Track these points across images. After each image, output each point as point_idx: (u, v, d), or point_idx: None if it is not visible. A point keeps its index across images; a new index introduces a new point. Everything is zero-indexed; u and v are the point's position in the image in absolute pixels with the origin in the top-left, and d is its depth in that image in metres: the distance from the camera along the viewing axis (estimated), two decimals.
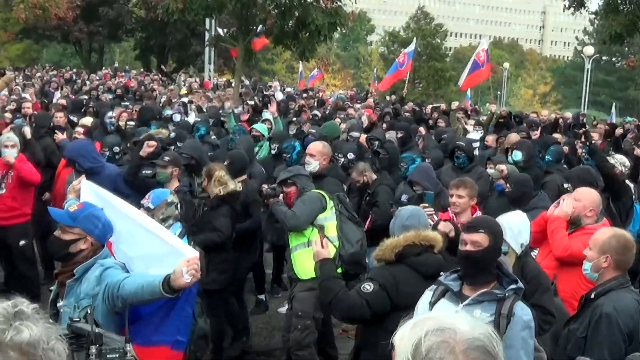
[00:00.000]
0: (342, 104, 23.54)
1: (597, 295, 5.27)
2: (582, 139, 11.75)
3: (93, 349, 2.29)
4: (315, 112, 18.61)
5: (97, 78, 34.36)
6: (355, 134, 14.05)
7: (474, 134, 14.27)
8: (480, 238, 4.85)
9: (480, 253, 4.83)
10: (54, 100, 19.42)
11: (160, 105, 19.73)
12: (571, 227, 6.95)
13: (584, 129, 15.42)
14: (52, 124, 12.57)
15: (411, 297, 5.32)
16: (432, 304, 4.93)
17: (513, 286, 4.74)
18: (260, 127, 13.17)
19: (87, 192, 5.74)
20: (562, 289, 6.31)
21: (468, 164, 10.50)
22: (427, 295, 5.01)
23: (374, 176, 9.81)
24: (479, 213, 7.44)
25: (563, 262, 6.75)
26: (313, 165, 8.95)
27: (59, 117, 13.03)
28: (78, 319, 2.49)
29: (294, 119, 17.07)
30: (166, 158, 8.64)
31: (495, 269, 4.87)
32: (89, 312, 2.43)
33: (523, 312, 4.64)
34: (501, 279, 4.85)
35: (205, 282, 8.30)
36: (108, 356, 2.29)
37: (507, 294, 4.70)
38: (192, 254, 4.93)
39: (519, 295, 4.76)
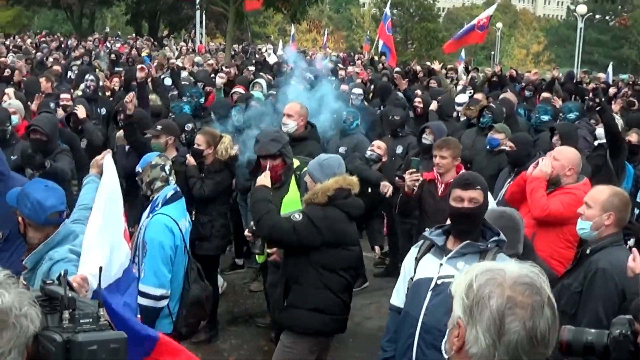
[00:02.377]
0: (335, 66, 23.37)
1: (592, 250, 5.29)
2: (591, 96, 11.77)
3: (66, 314, 2.24)
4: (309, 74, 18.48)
5: (91, 43, 34.05)
6: (357, 90, 14.06)
7: (463, 96, 14.16)
8: (477, 194, 4.98)
9: (477, 209, 4.96)
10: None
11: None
12: (551, 187, 6.91)
13: (593, 86, 15.32)
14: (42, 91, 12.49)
15: (340, 235, 6.13)
16: (417, 260, 5.05)
17: (495, 238, 4.84)
18: (257, 95, 12.80)
19: (109, 169, 5.00)
20: (540, 248, 6.28)
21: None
22: (413, 251, 5.14)
23: None
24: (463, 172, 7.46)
25: (541, 222, 6.74)
26: (290, 125, 8.68)
27: (42, 83, 12.88)
28: (52, 281, 2.44)
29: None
30: (158, 127, 8.49)
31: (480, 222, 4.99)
32: (62, 274, 2.36)
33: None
34: (484, 232, 4.94)
35: (208, 249, 8.39)
36: (81, 321, 2.24)
37: (489, 246, 4.81)
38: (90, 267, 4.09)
39: (501, 247, 4.85)
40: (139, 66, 11.52)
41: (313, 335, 6.24)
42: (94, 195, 4.65)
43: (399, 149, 10.74)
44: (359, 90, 14.26)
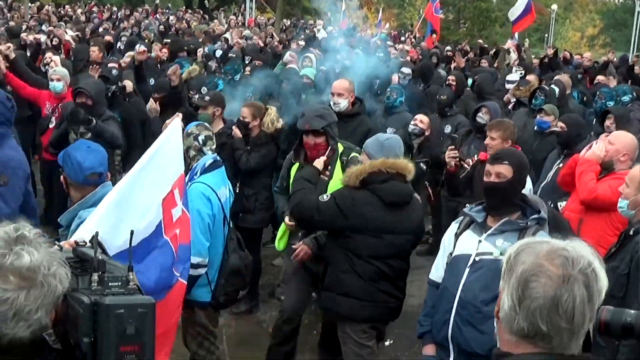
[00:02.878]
0: (384, 43, 23.20)
1: (635, 232, 5.19)
2: None
3: (95, 276, 2.23)
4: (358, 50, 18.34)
5: (140, 15, 34.21)
6: (406, 70, 13.93)
7: (514, 75, 13.97)
8: (504, 169, 4.97)
9: (503, 184, 4.96)
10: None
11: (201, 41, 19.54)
12: (603, 171, 6.71)
13: None
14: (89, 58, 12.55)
15: (370, 220, 5.82)
16: (457, 236, 5.10)
17: (535, 216, 4.84)
18: (309, 72, 12.46)
19: (177, 131, 4.92)
20: (587, 235, 6.11)
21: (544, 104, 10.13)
22: (453, 227, 5.19)
23: None
24: None
25: (589, 206, 6.57)
26: (342, 104, 8.58)
27: (94, 52, 12.94)
28: (84, 243, 2.42)
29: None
30: (207, 98, 8.53)
31: (519, 200, 4.97)
32: (94, 235, 2.33)
33: None
34: (525, 210, 4.92)
35: (251, 222, 8.41)
36: (110, 284, 2.22)
37: (528, 223, 4.82)
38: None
39: (542, 225, 4.84)
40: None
41: (351, 321, 6.11)
42: None
43: (448, 129, 10.63)
44: (408, 70, 14.13)
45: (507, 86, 13.07)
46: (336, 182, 6.49)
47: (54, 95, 9.88)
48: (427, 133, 9.88)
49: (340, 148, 6.77)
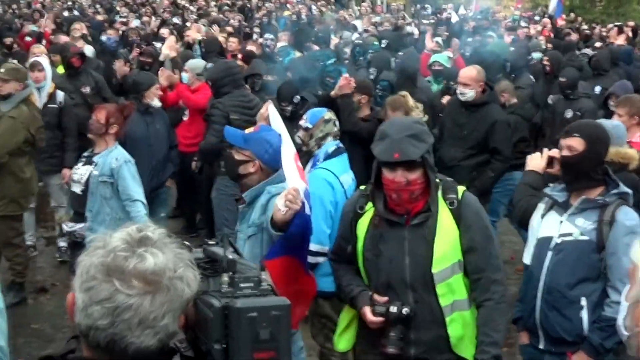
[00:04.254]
0: (514, 24, 22.59)
1: None
2: None
3: (225, 277, 2.10)
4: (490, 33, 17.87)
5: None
6: (536, 54, 13.48)
7: None
8: (575, 142, 4.77)
9: (575, 158, 4.77)
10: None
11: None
12: None
13: None
14: None
15: None
16: (542, 217, 4.92)
17: (615, 191, 4.64)
18: (443, 59, 11.90)
19: (276, 118, 5.29)
20: None
21: None
22: (540, 207, 4.97)
23: (513, 100, 9.30)
24: None
25: None
26: (469, 94, 8.23)
27: (232, 43, 13.04)
28: (215, 242, 2.28)
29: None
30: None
31: (599, 175, 4.74)
32: (224, 235, 2.21)
33: (626, 217, 4.60)
34: (609, 185, 4.71)
35: None
36: (241, 285, 2.09)
37: (607, 199, 4.63)
38: (299, 185, 4.46)
39: (626, 200, 4.65)
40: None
41: None
42: None
43: (569, 114, 9.97)
44: (538, 55, 13.60)
45: None
46: (446, 232, 4.33)
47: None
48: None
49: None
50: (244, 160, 4.94)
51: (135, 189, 6.82)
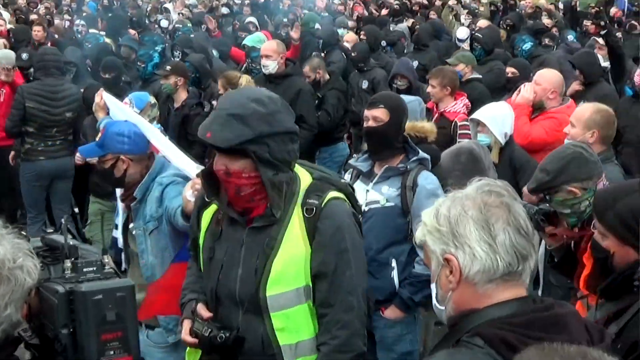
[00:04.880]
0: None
1: None
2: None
3: (68, 263, 2.12)
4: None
5: None
6: (341, 31, 13.71)
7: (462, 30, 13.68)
8: (380, 113, 4.98)
9: (380, 128, 4.94)
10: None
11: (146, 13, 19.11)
12: (536, 112, 6.76)
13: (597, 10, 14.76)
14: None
15: None
16: None
17: (415, 157, 4.91)
18: (253, 41, 11.47)
19: (114, 104, 5.45)
20: None
21: (485, 56, 10.09)
22: (346, 178, 5.06)
23: (327, 76, 9.59)
24: (464, 100, 7.55)
25: (526, 149, 6.55)
26: (272, 66, 8.56)
27: (37, 32, 12.55)
28: (51, 230, 2.31)
29: None
30: (168, 67, 8.32)
31: (400, 144, 4.99)
32: (62, 222, 2.22)
33: (427, 181, 4.84)
34: (409, 153, 4.98)
35: None
36: (84, 269, 2.12)
37: (409, 166, 4.89)
38: (194, 173, 4.46)
39: (425, 165, 4.92)
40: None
41: None
42: None
43: (364, 84, 10.30)
44: (343, 31, 13.89)
45: None
46: (292, 247, 3.40)
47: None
48: None
49: (305, 180, 3.46)
50: (112, 164, 4.75)
51: None
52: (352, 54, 10.81)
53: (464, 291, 2.18)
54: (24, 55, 9.66)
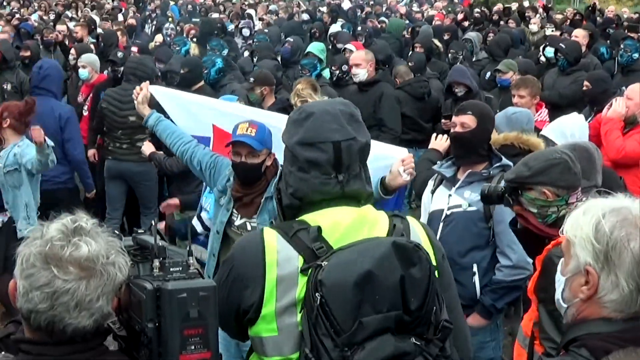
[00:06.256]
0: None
1: None
2: None
3: (156, 262, 2.28)
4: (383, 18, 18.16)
5: None
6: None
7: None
8: (468, 119, 5.12)
9: (467, 134, 5.11)
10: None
11: (228, 19, 19.39)
12: (628, 126, 6.73)
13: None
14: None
15: None
16: (432, 192, 5.27)
17: (498, 164, 5.00)
18: (315, 49, 11.55)
19: (162, 96, 5.88)
20: None
21: (568, 67, 10.03)
22: (430, 184, 5.32)
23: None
24: (544, 110, 7.43)
25: (618, 164, 6.51)
26: (361, 74, 8.78)
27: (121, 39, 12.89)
28: (143, 231, 2.47)
29: None
30: (251, 79, 8.47)
31: (485, 151, 5.13)
32: (152, 223, 2.38)
33: None
34: (492, 159, 5.09)
35: None
36: (171, 269, 2.27)
37: (491, 172, 4.96)
38: (405, 154, 5.11)
39: (507, 171, 4.88)
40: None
41: None
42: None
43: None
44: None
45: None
46: None
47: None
48: None
49: None
50: (264, 159, 5.10)
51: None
52: (409, 64, 10.81)
53: (590, 305, 2.22)
54: (120, 54, 9.88)
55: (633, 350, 1.95)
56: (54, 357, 2.22)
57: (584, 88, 8.40)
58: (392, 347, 2.44)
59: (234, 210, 5.18)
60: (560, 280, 2.31)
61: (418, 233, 2.77)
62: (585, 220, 2.22)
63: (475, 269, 5.06)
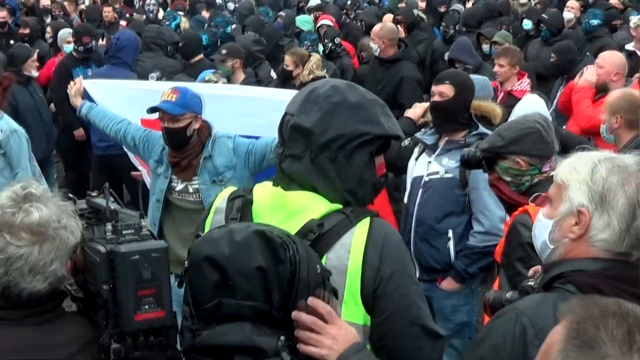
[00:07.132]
0: None
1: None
2: None
3: (109, 226, 2.33)
4: None
5: None
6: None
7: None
8: (446, 89, 5.20)
9: (444, 103, 5.19)
10: None
11: None
12: (599, 94, 6.73)
13: None
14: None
15: None
16: (416, 159, 5.37)
17: (475, 132, 5.08)
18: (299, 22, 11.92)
19: (95, 90, 6.08)
20: None
21: (551, 38, 10.08)
22: (415, 151, 5.42)
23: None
24: (526, 80, 7.52)
25: (588, 132, 6.56)
26: (374, 48, 8.84)
27: (107, 12, 12.85)
28: (95, 194, 2.52)
29: None
30: (223, 51, 8.47)
31: (465, 119, 5.21)
32: (105, 186, 2.43)
33: None
34: (472, 128, 5.17)
35: None
36: (124, 232, 2.31)
37: (468, 140, 5.02)
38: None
39: (484, 139, 4.93)
40: None
41: None
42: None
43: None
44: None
45: None
46: None
47: None
48: None
49: None
50: (188, 123, 5.14)
51: (22, 159, 6.83)
52: None
53: (579, 245, 2.30)
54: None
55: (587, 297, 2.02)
56: (11, 321, 2.28)
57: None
58: (240, 337, 2.29)
59: (173, 177, 5.28)
60: (542, 227, 2.41)
61: (352, 242, 2.45)
62: (580, 165, 2.32)
63: (450, 234, 5.17)
